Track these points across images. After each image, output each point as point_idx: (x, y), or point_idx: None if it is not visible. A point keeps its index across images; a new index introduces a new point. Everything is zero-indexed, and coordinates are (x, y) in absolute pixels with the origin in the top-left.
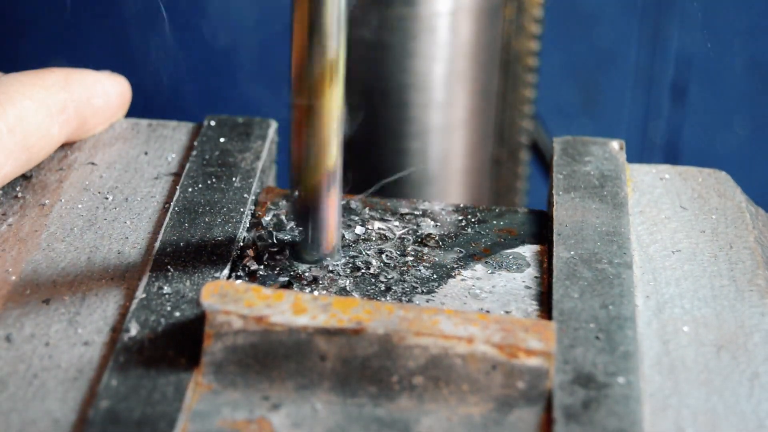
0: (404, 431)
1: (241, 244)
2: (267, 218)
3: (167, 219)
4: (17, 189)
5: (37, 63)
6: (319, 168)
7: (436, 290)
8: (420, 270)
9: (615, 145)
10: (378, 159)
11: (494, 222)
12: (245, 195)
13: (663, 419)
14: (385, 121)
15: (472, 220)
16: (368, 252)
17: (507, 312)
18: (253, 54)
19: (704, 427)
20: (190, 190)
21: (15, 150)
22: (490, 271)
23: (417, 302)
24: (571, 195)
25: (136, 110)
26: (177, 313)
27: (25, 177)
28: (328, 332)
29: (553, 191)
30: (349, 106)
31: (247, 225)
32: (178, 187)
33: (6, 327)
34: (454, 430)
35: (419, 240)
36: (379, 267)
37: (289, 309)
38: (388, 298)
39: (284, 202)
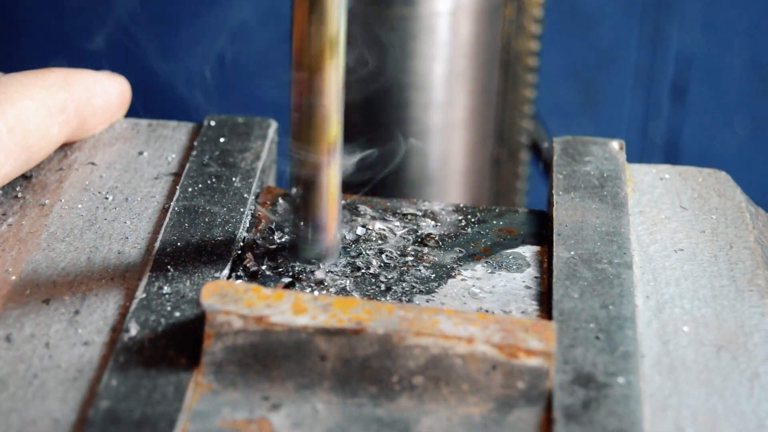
0: (404, 431)
1: (241, 244)
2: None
3: (167, 219)
4: (17, 189)
5: (37, 63)
6: (320, 142)
7: (436, 290)
8: (420, 270)
9: (615, 145)
10: (378, 159)
11: (494, 222)
12: (245, 195)
13: (663, 419)
14: (385, 121)
15: (472, 220)
16: (368, 252)
17: (507, 312)
18: (254, 53)
19: (704, 427)
20: (190, 190)
21: (15, 150)
22: (490, 271)
23: (417, 302)
24: (571, 195)
25: (136, 110)
26: (177, 313)
27: (25, 177)
28: (328, 332)
29: (553, 191)
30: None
31: (247, 225)
32: (178, 187)
33: (6, 327)
34: (454, 430)
35: (419, 240)
36: (379, 267)
37: (289, 309)
38: (388, 298)
39: (283, 201)
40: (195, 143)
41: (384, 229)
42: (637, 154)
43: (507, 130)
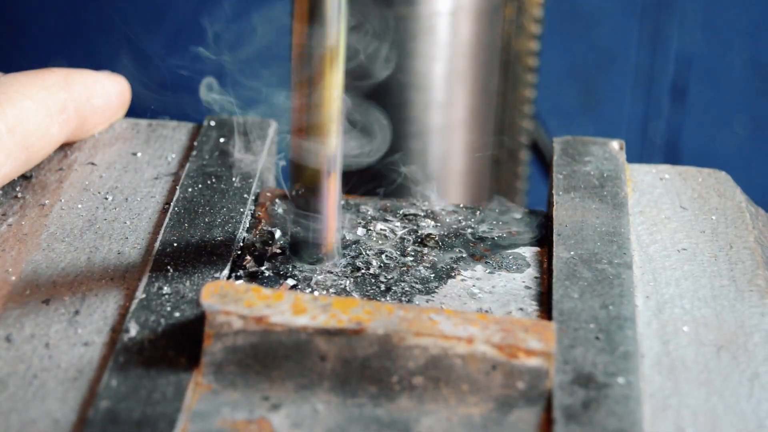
0: (404, 431)
1: (241, 244)
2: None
3: (167, 219)
4: (17, 189)
5: (37, 63)
6: (321, 143)
7: (436, 290)
8: (420, 270)
9: (615, 145)
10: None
11: (494, 222)
12: (245, 195)
13: (663, 419)
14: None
15: (472, 220)
16: (368, 252)
17: (507, 312)
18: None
19: (704, 427)
20: (190, 190)
21: (15, 150)
22: (490, 272)
23: (417, 302)
24: (571, 195)
25: (136, 110)
26: (177, 314)
27: (25, 177)
28: (328, 332)
29: (553, 191)
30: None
31: (247, 225)
32: (178, 187)
33: (6, 327)
34: (454, 430)
35: (419, 240)
36: (379, 267)
37: (289, 309)
38: (388, 299)
39: (283, 201)
40: (195, 143)
41: (384, 230)
42: (637, 154)
43: (507, 130)
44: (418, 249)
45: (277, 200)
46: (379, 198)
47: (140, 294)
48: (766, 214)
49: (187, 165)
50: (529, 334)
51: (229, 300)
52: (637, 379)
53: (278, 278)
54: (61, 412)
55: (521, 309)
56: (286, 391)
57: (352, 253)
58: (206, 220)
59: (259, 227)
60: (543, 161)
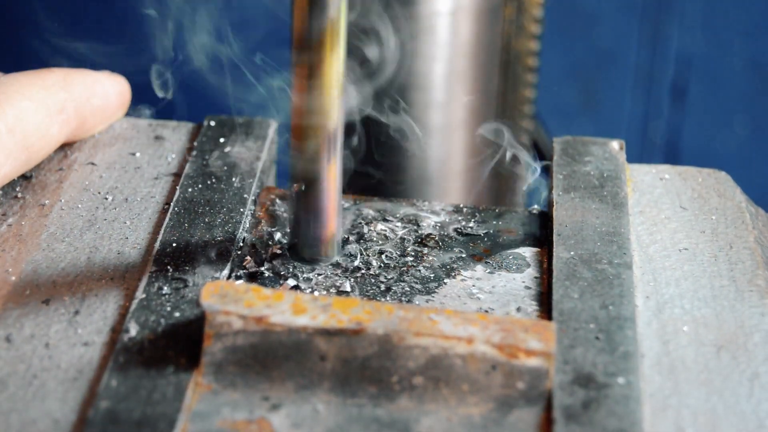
0: (404, 431)
1: (241, 244)
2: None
3: (167, 219)
4: (17, 189)
5: (37, 63)
6: (319, 131)
7: (436, 290)
8: (420, 270)
9: (615, 145)
10: (378, 159)
11: (494, 222)
12: (245, 195)
13: (663, 419)
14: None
15: (472, 220)
16: (368, 252)
17: (507, 312)
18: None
19: (704, 427)
20: (190, 190)
21: (14, 150)
22: (489, 272)
23: (417, 302)
24: (571, 195)
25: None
26: (177, 314)
27: (25, 177)
28: (328, 332)
29: (553, 191)
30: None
31: (247, 225)
32: (178, 187)
33: (6, 327)
34: (454, 431)
35: (419, 240)
36: (379, 267)
37: (289, 309)
38: (388, 299)
39: (283, 201)
40: (195, 143)
41: (384, 230)
42: (637, 154)
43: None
44: (418, 249)
45: (277, 200)
46: (380, 198)
47: (140, 294)
48: (766, 214)
49: (187, 165)
50: (529, 334)
51: (229, 300)
52: (637, 379)
53: (278, 278)
54: (61, 412)
55: (521, 309)
56: (286, 391)
57: (352, 253)
58: (206, 220)
59: (259, 227)
60: (543, 161)
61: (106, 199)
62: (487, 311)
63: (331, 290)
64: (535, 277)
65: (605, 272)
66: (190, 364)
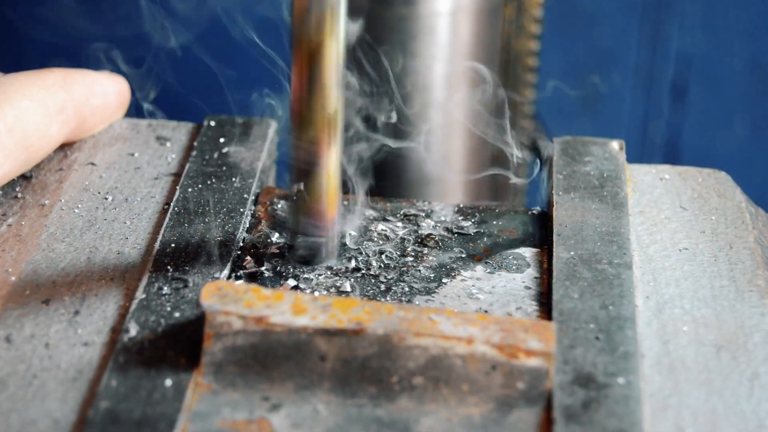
0: (404, 431)
1: (241, 244)
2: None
3: (167, 219)
4: (17, 189)
5: (37, 63)
6: (319, 115)
7: (436, 291)
8: (420, 270)
9: (615, 145)
10: (378, 159)
11: (494, 222)
12: (245, 195)
13: (663, 419)
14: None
15: (472, 220)
16: (368, 252)
17: (507, 312)
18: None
19: (704, 427)
20: (190, 190)
21: (14, 150)
22: (489, 272)
23: (417, 303)
24: (571, 195)
25: (136, 110)
26: (177, 314)
27: (25, 177)
28: (328, 333)
29: (553, 191)
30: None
31: (247, 225)
32: (178, 187)
33: (6, 327)
34: (454, 431)
35: (419, 240)
36: (379, 267)
37: (289, 309)
38: (388, 299)
39: (282, 202)
40: (195, 143)
41: (384, 230)
42: (637, 154)
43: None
44: (418, 249)
45: (277, 200)
46: (380, 198)
47: (140, 294)
48: (766, 214)
49: (187, 165)
50: (529, 335)
51: (229, 300)
52: (637, 379)
53: (278, 278)
54: (61, 412)
55: (521, 309)
56: (286, 392)
57: (352, 253)
58: (206, 220)
59: (259, 227)
60: (543, 161)
61: (106, 199)
62: (487, 311)
63: (331, 290)
64: (535, 277)
65: (605, 272)
66: (190, 364)
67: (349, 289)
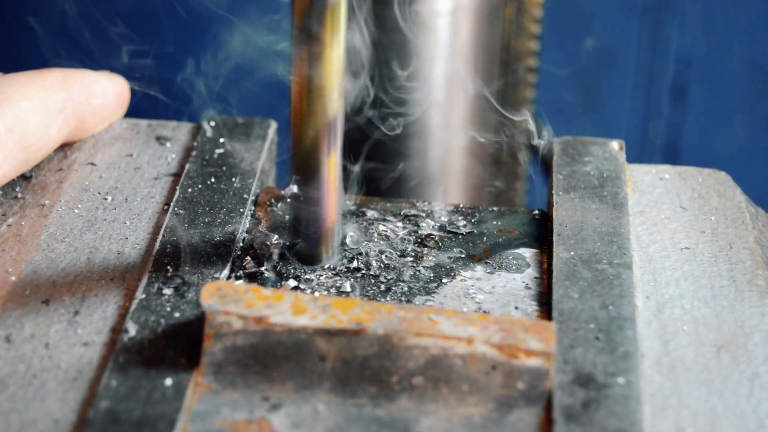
0: (404, 431)
1: (241, 244)
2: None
3: (167, 219)
4: (17, 189)
5: (37, 63)
6: (319, 117)
7: (436, 291)
8: (420, 270)
9: (615, 145)
10: (378, 159)
11: (494, 222)
12: (245, 195)
13: (663, 419)
14: None
15: (472, 220)
16: (368, 252)
17: (507, 312)
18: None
19: (704, 427)
20: (190, 190)
21: (14, 150)
22: (489, 272)
23: (417, 303)
24: (571, 195)
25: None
26: (177, 314)
27: (25, 177)
28: (328, 333)
29: (553, 191)
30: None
31: (247, 225)
32: (178, 188)
33: (6, 327)
34: (454, 431)
35: (419, 240)
36: (379, 267)
37: (289, 309)
38: (388, 299)
39: (283, 202)
40: (195, 143)
41: (385, 230)
42: (637, 154)
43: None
44: (418, 249)
45: (277, 200)
46: (380, 198)
47: (140, 294)
48: (766, 214)
49: (187, 165)
50: (529, 334)
51: (229, 300)
52: (637, 379)
53: (278, 278)
54: (61, 412)
55: (521, 309)
56: (286, 392)
57: (353, 254)
58: (206, 220)
59: (259, 227)
60: (543, 161)
61: (106, 199)
62: (486, 311)
63: (331, 290)
64: (535, 278)
65: (605, 272)
66: (190, 364)
67: (349, 289)
